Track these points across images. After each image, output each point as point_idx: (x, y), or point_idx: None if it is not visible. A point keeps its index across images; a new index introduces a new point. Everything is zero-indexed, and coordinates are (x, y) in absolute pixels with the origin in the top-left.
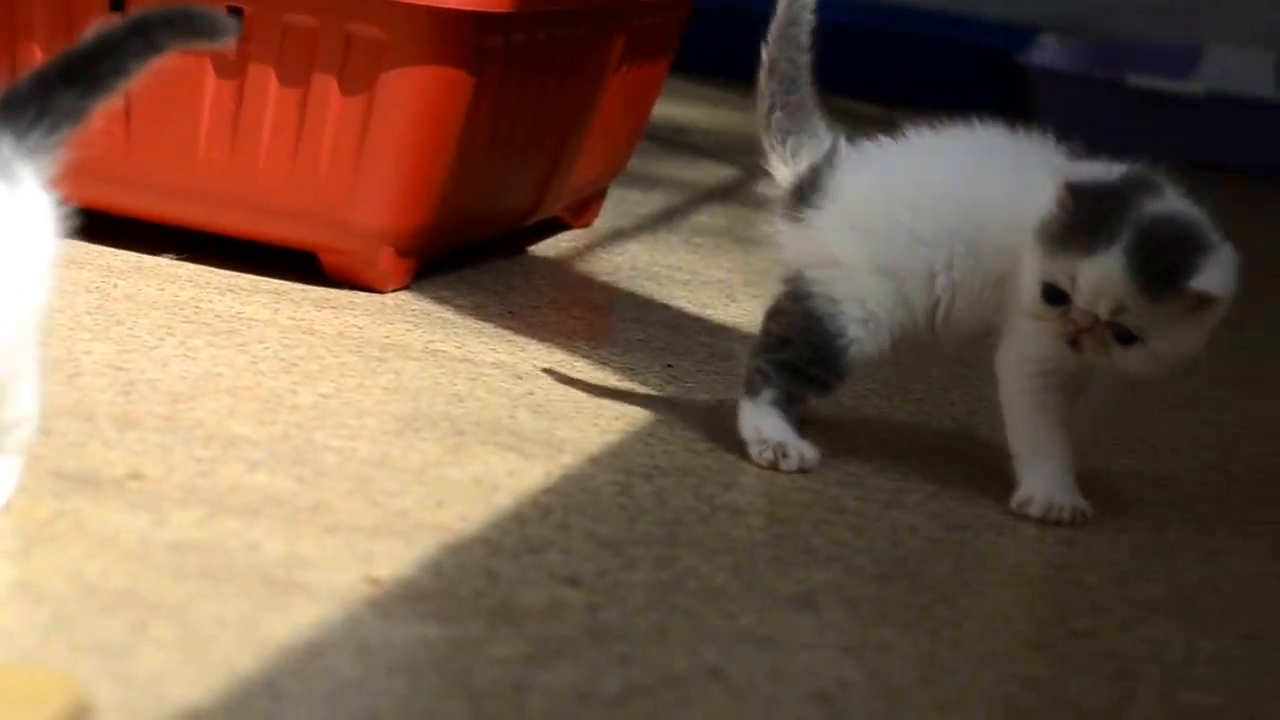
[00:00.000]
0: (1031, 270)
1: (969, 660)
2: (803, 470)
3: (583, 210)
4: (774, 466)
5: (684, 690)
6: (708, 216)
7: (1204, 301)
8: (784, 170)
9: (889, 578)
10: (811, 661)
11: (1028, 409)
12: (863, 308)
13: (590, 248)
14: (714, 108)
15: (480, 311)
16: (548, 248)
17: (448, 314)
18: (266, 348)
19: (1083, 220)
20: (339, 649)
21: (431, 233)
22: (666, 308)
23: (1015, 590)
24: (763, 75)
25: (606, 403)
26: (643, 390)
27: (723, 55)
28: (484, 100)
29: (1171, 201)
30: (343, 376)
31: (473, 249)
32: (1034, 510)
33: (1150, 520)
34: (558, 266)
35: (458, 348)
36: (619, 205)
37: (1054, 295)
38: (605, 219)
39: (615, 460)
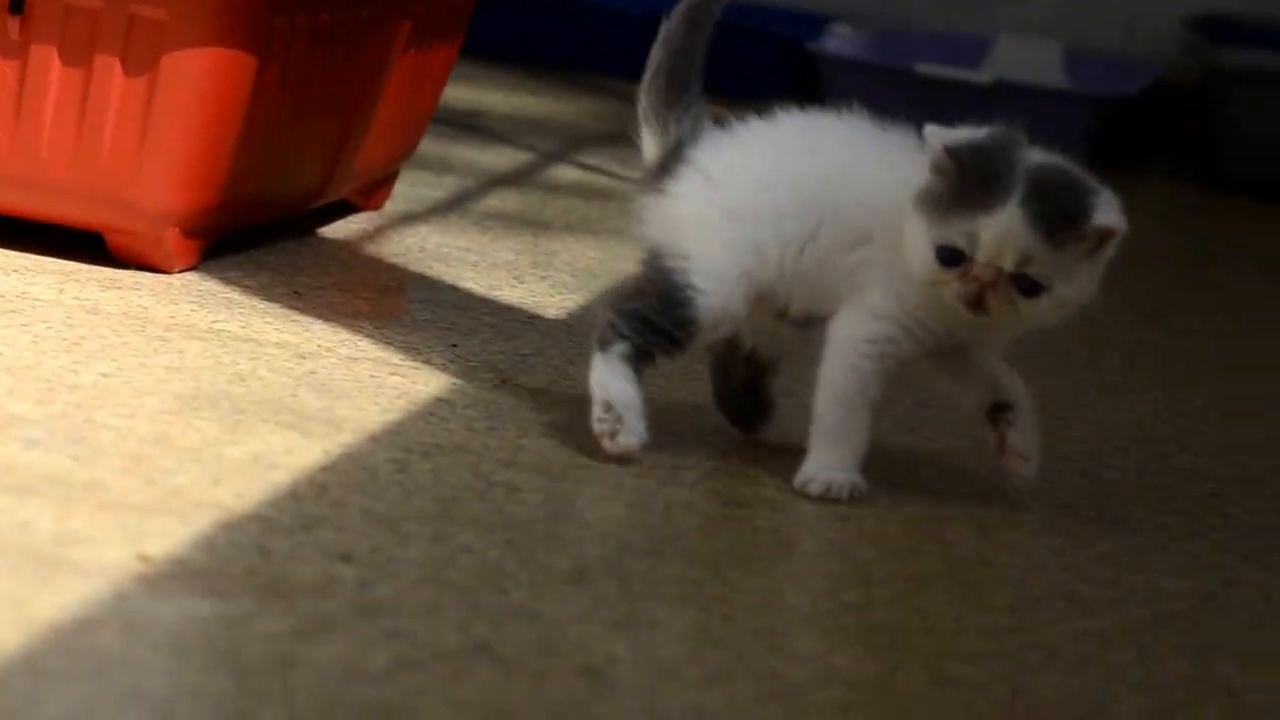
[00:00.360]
0: (918, 238)
1: (739, 634)
2: (625, 456)
3: (373, 193)
4: (599, 441)
5: (452, 664)
6: (499, 200)
7: (1103, 239)
8: (653, 145)
9: (662, 554)
10: (582, 636)
11: (848, 388)
12: (712, 258)
13: (380, 230)
14: (509, 93)
15: (266, 292)
16: (338, 230)
17: (234, 294)
18: (49, 327)
19: (972, 179)
20: (106, 626)
21: (217, 213)
22: (454, 289)
23: (788, 565)
24: (656, 49)
25: (389, 382)
26: (426, 370)
27: (519, 40)
28: (268, 82)
29: (1042, 154)
30: (124, 356)
31: (262, 230)
32: (813, 489)
33: (925, 496)
34: (346, 248)
35: (242, 328)
36: (411, 188)
37: (950, 257)
38: (396, 202)
39: (394, 438)
